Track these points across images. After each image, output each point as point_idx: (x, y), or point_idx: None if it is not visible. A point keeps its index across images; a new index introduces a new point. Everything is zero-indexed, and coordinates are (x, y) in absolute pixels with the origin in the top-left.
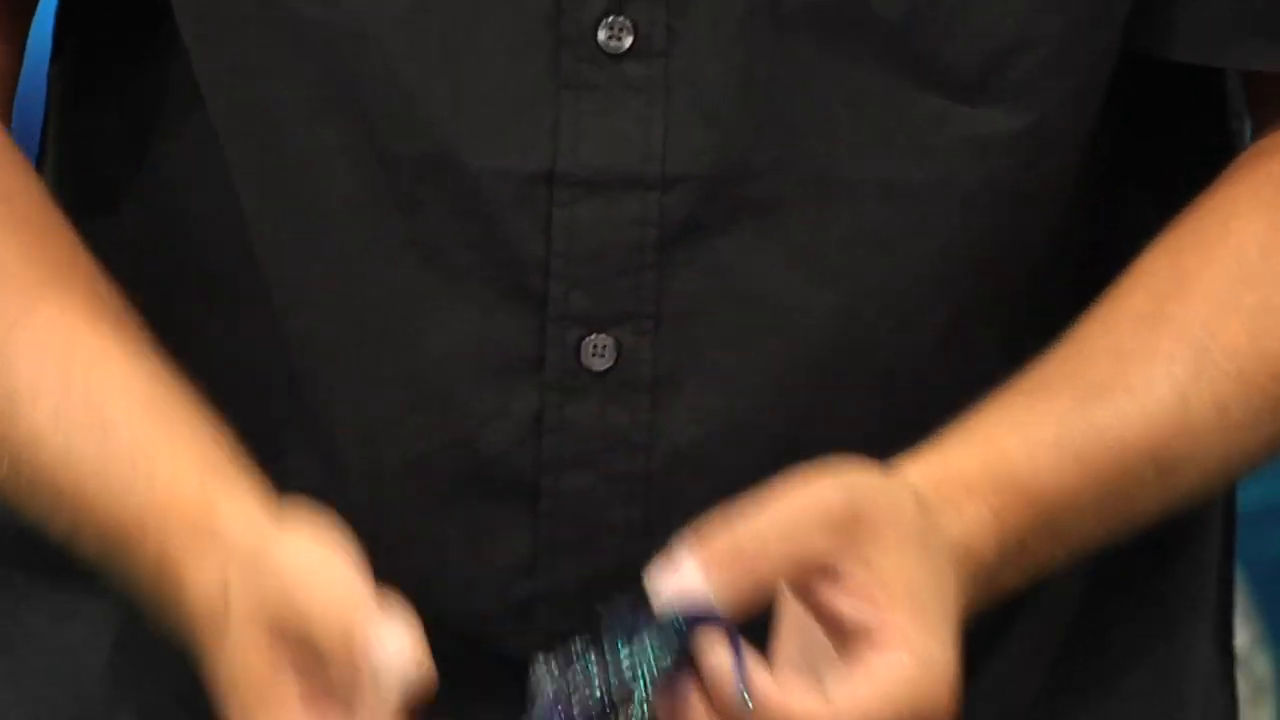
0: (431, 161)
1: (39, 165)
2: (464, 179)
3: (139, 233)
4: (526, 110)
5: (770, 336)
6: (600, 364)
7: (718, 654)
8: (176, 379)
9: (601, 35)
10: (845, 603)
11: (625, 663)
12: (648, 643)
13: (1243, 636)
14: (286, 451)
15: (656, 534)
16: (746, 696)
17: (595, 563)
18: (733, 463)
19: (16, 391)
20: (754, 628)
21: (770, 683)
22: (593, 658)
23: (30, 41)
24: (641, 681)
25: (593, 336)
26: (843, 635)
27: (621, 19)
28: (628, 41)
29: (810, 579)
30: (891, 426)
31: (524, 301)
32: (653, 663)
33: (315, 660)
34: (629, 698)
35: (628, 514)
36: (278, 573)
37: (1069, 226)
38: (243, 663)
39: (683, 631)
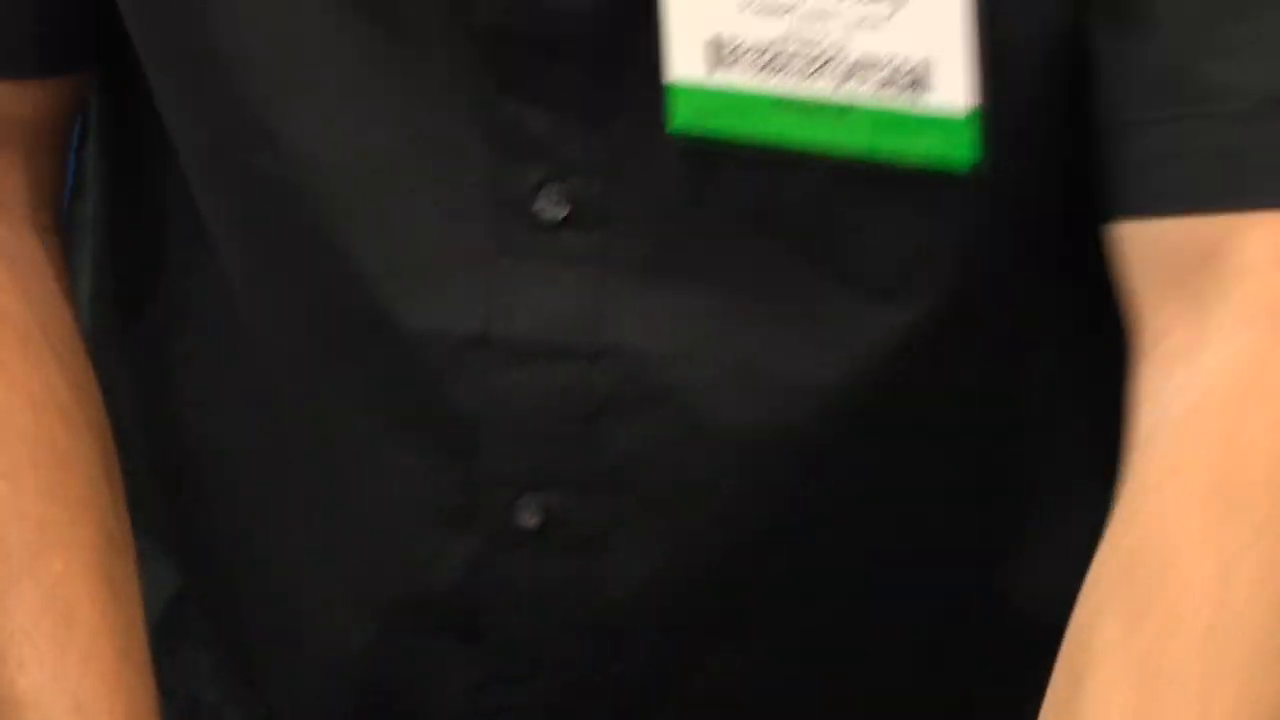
0: (371, 319)
1: None
2: (401, 339)
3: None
4: (463, 274)
5: (699, 505)
6: (531, 522)
7: None
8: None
9: (539, 204)
10: None
11: None
12: None
13: None
14: (238, 598)
15: (610, 659)
16: None
17: (546, 686)
18: (677, 602)
19: (4, 654)
20: None
21: None
22: None
23: None
24: None
25: (523, 497)
26: None
27: (558, 187)
28: (564, 211)
29: None
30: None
31: (459, 458)
32: None
33: None
34: None
35: (577, 648)
36: None
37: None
38: None
39: None
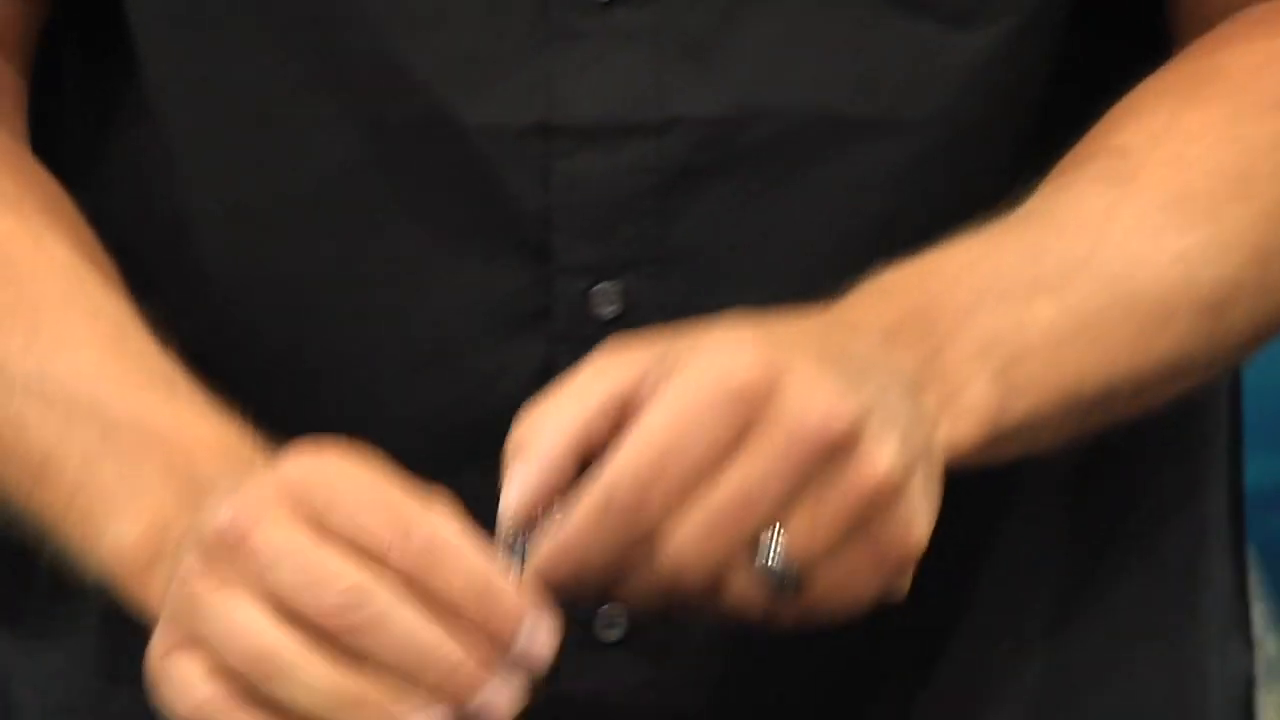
0: (424, 122)
1: None
2: (458, 137)
3: (112, 225)
4: (517, 63)
5: (776, 276)
6: (609, 311)
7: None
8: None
9: None
10: None
11: None
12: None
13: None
14: (287, 430)
15: None
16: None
17: None
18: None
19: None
20: None
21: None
22: None
23: None
24: None
25: (600, 285)
26: None
27: None
28: None
29: None
30: None
31: (527, 255)
32: None
33: None
34: None
35: None
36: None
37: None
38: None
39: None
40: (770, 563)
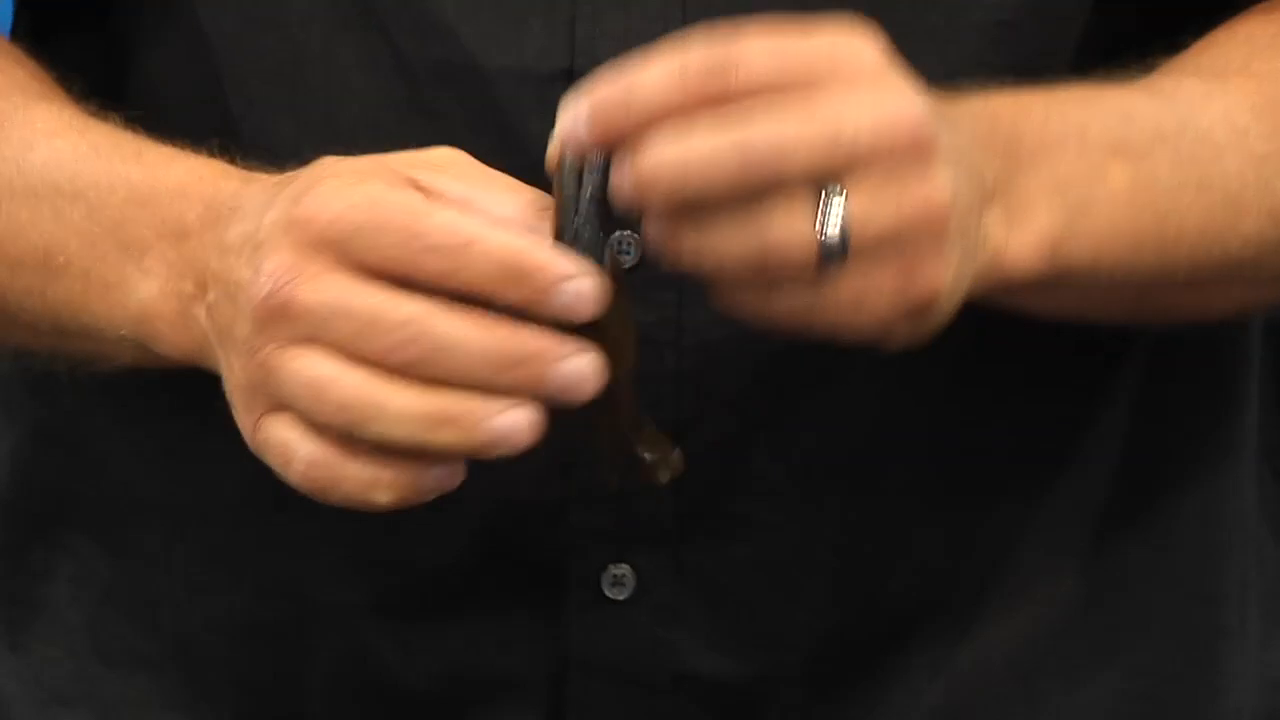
0: (449, 66)
1: None
2: (481, 82)
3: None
4: (542, 10)
5: (791, 365)
6: (627, 262)
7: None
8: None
9: None
10: None
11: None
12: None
13: None
14: None
15: (688, 437)
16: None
17: None
18: (759, 351)
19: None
20: None
21: None
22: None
23: None
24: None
25: (619, 234)
26: None
27: None
28: None
29: None
30: None
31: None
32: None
33: None
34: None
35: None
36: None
37: None
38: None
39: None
40: (826, 218)
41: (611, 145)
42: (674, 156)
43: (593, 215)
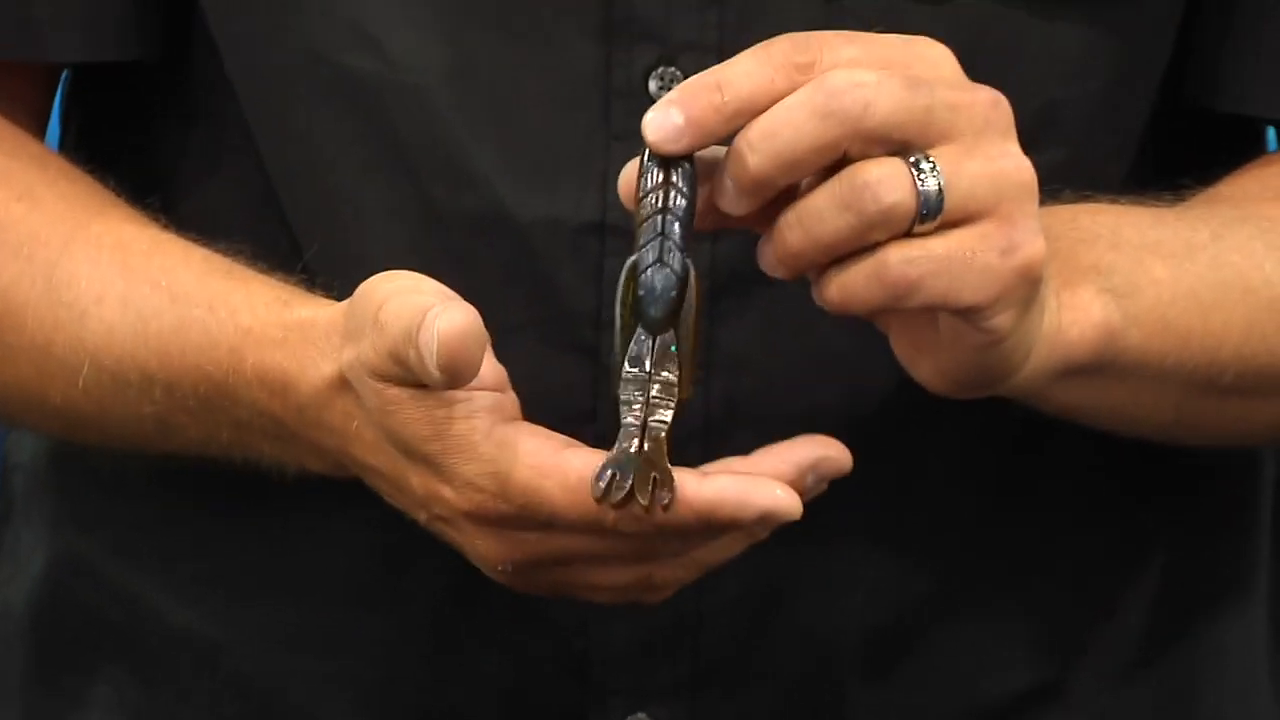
0: (481, 215)
1: None
2: (514, 232)
3: None
4: (576, 162)
5: (822, 384)
6: None
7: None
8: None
9: (652, 86)
10: None
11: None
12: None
13: None
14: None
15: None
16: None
17: None
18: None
19: (80, 299)
20: None
21: None
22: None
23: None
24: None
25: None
26: None
27: (672, 70)
28: None
29: None
30: None
31: (576, 354)
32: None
33: None
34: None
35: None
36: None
37: None
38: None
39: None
40: (921, 172)
41: (705, 137)
42: (768, 123)
43: (687, 227)
